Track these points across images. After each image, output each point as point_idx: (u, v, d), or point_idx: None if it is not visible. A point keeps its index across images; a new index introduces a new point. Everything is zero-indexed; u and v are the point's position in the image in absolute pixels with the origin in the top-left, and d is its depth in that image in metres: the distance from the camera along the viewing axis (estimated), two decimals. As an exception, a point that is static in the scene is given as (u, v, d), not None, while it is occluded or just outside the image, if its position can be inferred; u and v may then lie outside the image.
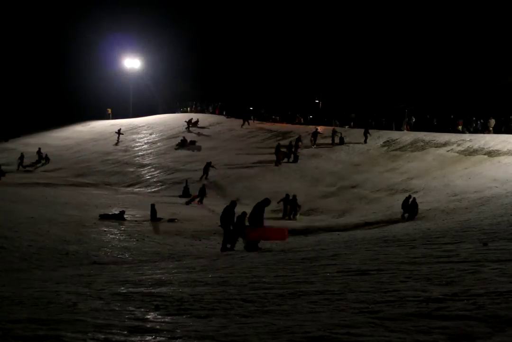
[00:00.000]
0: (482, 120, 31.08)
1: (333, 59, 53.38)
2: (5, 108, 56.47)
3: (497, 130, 29.77)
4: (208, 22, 60.28)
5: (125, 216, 18.32)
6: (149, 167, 33.78)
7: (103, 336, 4.18)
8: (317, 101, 50.81)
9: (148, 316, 5.16)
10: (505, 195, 18.74)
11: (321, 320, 4.45)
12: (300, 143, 31.00)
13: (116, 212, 18.39)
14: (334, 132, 33.13)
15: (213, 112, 50.32)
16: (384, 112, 37.72)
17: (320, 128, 38.30)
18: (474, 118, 31.51)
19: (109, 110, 56.73)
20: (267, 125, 41.83)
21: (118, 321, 4.84)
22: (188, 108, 54.41)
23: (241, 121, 42.11)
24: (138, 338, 4.19)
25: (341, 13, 55.36)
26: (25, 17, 62.90)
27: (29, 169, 34.90)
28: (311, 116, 44.24)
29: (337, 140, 32.60)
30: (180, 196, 26.21)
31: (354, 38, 53.16)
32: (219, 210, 22.34)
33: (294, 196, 21.48)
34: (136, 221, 18.37)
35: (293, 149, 30.12)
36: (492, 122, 30.60)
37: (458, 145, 27.42)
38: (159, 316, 5.15)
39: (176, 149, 37.33)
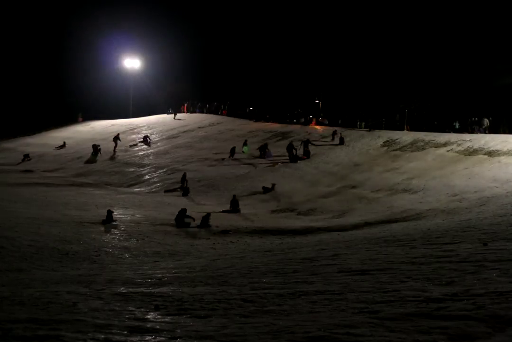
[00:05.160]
0: (485, 120, 31.21)
1: (333, 59, 53.40)
2: (5, 108, 56.43)
3: (496, 130, 29.89)
4: (208, 22, 60.35)
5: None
6: (149, 167, 33.75)
7: (103, 336, 4.18)
8: (317, 101, 50.77)
9: (148, 316, 5.17)
10: (505, 195, 18.71)
11: (321, 320, 4.45)
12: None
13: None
14: (334, 133, 33.31)
15: (211, 112, 50.16)
16: (384, 112, 37.71)
17: (319, 128, 38.35)
18: (473, 118, 31.67)
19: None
20: (266, 126, 41.83)
21: (118, 321, 4.85)
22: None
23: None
24: (138, 338, 4.19)
25: (341, 13, 55.35)
26: (25, 17, 62.94)
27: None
28: (311, 116, 44.20)
29: (337, 140, 32.66)
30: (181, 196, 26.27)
31: (354, 38, 53.16)
32: (219, 210, 22.41)
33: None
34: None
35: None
36: (487, 121, 30.83)
37: (458, 145, 27.40)
38: (159, 316, 5.15)
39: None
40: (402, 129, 33.95)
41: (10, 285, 8.46)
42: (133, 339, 4.15)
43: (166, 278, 8.33)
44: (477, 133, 30.12)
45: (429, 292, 5.19)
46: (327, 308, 4.98)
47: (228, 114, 47.65)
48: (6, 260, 12.30)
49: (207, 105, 51.41)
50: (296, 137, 35.66)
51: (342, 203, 22.62)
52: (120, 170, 33.57)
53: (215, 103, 50.99)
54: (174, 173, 31.45)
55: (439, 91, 43.83)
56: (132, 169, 33.54)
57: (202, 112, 50.30)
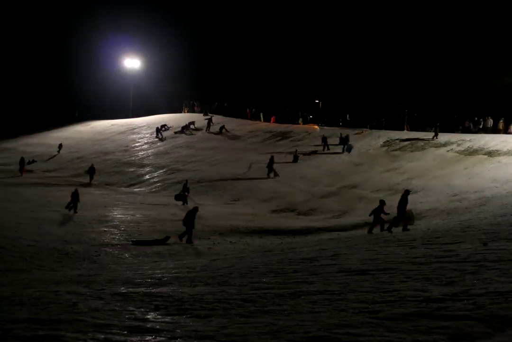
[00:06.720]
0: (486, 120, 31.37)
1: (333, 59, 53.40)
2: (5, 108, 56.43)
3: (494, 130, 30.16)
4: (208, 22, 60.30)
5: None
6: (149, 167, 33.77)
7: (103, 336, 4.18)
8: (317, 101, 50.78)
9: (148, 316, 5.16)
10: (505, 195, 18.73)
11: (321, 320, 4.45)
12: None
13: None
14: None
15: (212, 112, 50.01)
16: (384, 112, 37.76)
17: (318, 128, 38.36)
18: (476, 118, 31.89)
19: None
20: (264, 126, 41.82)
21: (118, 321, 4.84)
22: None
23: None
24: (138, 338, 4.19)
25: (341, 13, 55.36)
26: (26, 17, 62.91)
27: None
28: (311, 116, 44.23)
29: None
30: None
31: (354, 38, 53.15)
32: (219, 210, 22.42)
33: None
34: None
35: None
36: (490, 122, 30.90)
37: (458, 145, 27.42)
38: (159, 316, 5.14)
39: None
40: (402, 129, 33.97)
41: (10, 285, 8.46)
42: (133, 339, 4.15)
43: (166, 278, 8.32)
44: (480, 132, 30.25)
45: (429, 292, 5.19)
46: (327, 308, 4.98)
47: (224, 114, 47.55)
48: (6, 260, 12.31)
49: (208, 106, 51.34)
50: (296, 137, 35.67)
51: (342, 203, 22.61)
52: (120, 170, 33.57)
53: (216, 103, 50.95)
54: (174, 172, 31.46)
55: (439, 92, 43.86)
56: (132, 170, 33.55)
57: (203, 112, 50.19)
